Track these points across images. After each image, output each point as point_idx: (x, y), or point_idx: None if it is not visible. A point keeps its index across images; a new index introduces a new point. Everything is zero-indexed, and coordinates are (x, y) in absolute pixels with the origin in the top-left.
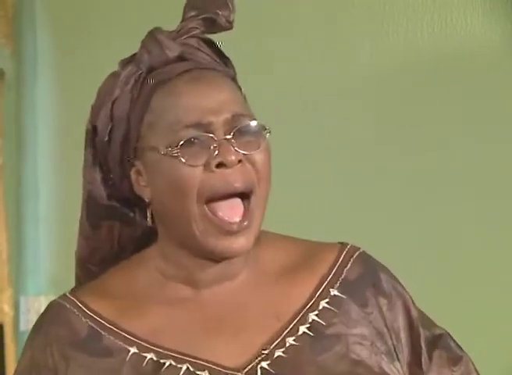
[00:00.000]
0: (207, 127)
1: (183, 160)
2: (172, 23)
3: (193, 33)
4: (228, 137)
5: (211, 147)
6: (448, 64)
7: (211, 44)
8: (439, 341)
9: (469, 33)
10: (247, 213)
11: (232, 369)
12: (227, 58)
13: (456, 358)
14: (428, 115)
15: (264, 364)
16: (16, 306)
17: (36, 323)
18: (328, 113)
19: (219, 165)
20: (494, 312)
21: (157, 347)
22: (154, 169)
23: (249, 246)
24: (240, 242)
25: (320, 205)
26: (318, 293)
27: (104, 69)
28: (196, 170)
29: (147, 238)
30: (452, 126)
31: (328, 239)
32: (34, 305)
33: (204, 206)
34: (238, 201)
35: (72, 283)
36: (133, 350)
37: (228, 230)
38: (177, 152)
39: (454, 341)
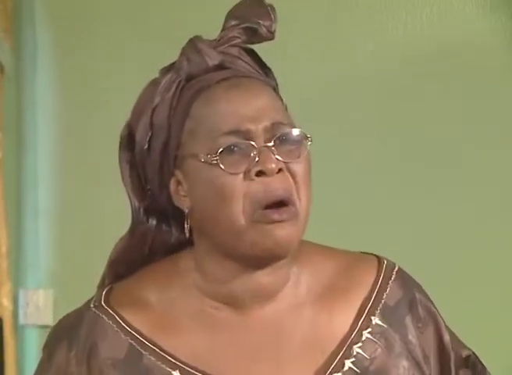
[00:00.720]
0: (246, 134)
1: (222, 167)
2: (172, 22)
3: (234, 42)
4: (269, 144)
5: (251, 154)
6: (447, 57)
7: (252, 53)
8: (466, 361)
9: (469, 26)
10: (290, 213)
11: None
12: (268, 69)
13: None
14: (428, 109)
15: None
16: (15, 300)
17: (65, 330)
18: (327, 112)
19: (259, 173)
20: (494, 312)
21: (200, 372)
22: (194, 178)
23: (294, 237)
24: (286, 231)
25: (318, 205)
26: (360, 322)
27: (103, 63)
28: (236, 178)
29: (180, 245)
30: (452, 121)
31: (326, 237)
32: (33, 299)
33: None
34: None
35: (71, 277)
36: (175, 374)
37: (273, 219)
38: (216, 160)
39: (480, 361)
